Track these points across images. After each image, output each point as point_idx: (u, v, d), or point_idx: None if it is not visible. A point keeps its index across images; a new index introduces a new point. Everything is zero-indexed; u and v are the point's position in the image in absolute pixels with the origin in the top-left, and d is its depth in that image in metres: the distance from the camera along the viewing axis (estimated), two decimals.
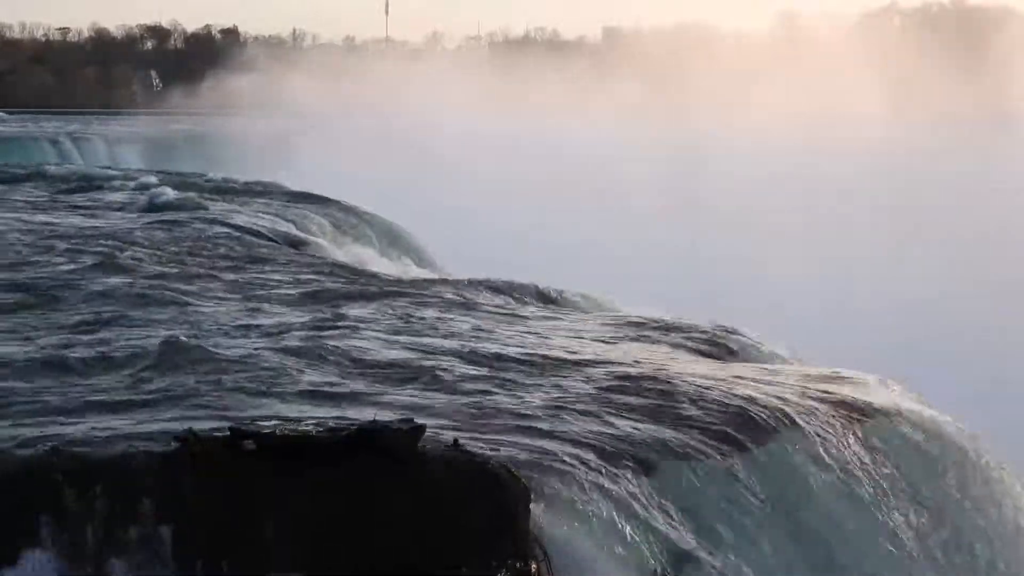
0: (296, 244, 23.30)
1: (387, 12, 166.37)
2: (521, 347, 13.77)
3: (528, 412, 11.10)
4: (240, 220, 25.02)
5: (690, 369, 13.12)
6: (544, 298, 18.47)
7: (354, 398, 11.28)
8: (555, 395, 11.74)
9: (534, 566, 8.85)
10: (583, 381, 12.34)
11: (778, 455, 11.05)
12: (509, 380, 12.21)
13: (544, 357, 13.29)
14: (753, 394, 12.08)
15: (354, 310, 15.52)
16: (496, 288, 18.40)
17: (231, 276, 17.94)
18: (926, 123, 59.25)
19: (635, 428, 10.89)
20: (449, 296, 17.17)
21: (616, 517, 9.48)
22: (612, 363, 13.21)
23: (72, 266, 18.10)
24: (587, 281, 20.89)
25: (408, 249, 28.33)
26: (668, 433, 10.89)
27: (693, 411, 11.47)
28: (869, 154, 54.52)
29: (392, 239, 28.80)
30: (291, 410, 10.57)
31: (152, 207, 27.28)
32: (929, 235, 44.77)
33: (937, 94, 64.04)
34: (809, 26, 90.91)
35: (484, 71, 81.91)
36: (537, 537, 8.99)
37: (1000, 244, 44.01)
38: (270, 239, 23.23)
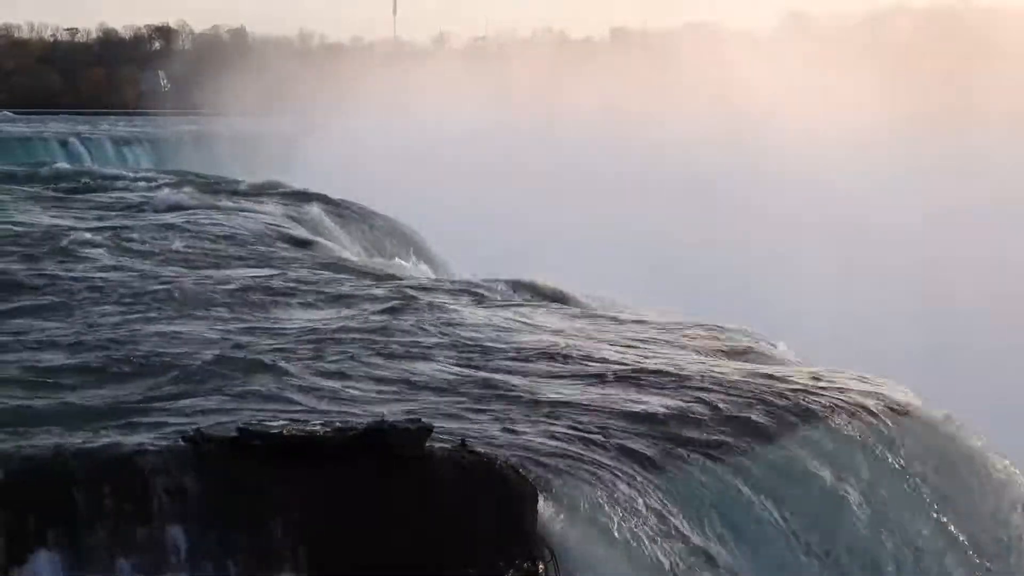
0: (304, 244, 23.30)
1: (395, 12, 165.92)
2: (530, 347, 13.77)
3: (536, 412, 11.10)
4: (248, 220, 25.03)
5: (701, 369, 13.12)
6: (555, 297, 18.45)
7: (362, 398, 11.29)
8: (564, 395, 11.74)
9: (541, 566, 8.85)
10: (592, 380, 12.35)
11: (790, 455, 11.04)
12: (518, 380, 12.22)
13: (553, 357, 13.30)
14: (765, 394, 12.08)
15: (361, 310, 15.53)
16: (504, 287, 18.39)
17: (238, 276, 17.95)
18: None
19: (644, 428, 10.88)
20: (458, 296, 17.17)
21: (624, 517, 9.48)
22: (622, 363, 13.21)
23: (79, 266, 18.12)
24: (597, 277, 20.89)
25: (417, 249, 28.31)
26: (678, 433, 10.89)
27: (704, 411, 11.47)
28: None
29: (398, 238, 28.79)
30: (299, 410, 10.58)
31: (160, 207, 27.30)
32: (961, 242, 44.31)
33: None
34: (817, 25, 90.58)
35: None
36: (544, 537, 8.99)
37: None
38: (278, 239, 23.22)
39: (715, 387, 12.28)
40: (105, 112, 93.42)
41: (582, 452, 10.17)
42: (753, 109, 61.30)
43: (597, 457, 10.13)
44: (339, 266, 20.16)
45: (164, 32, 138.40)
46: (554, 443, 10.27)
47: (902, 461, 11.79)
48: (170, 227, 23.42)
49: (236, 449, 8.80)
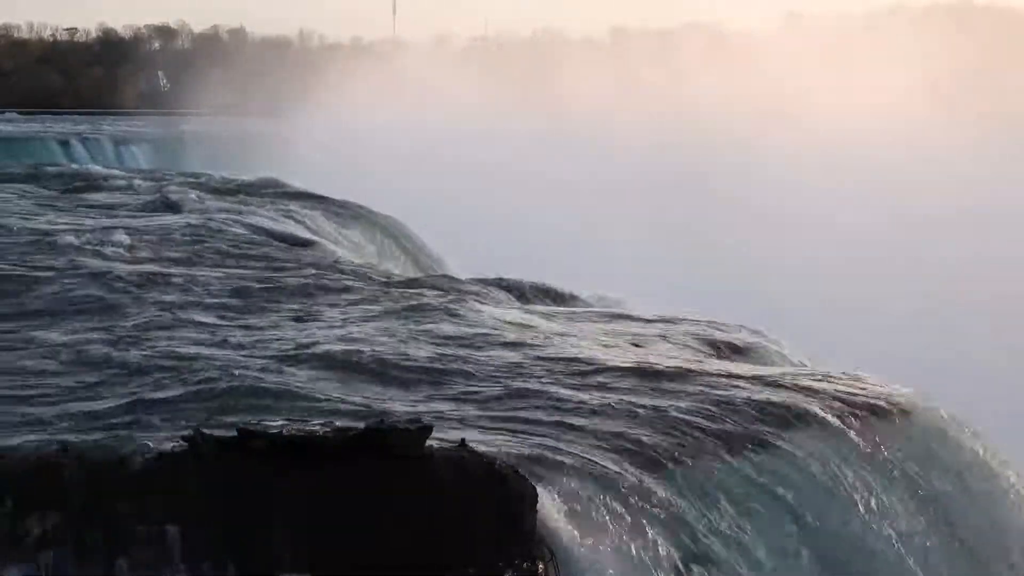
0: (302, 244, 23.30)
1: (394, 12, 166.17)
2: (529, 347, 13.76)
3: (535, 412, 11.10)
4: (247, 220, 25.03)
5: (701, 368, 13.12)
6: (554, 297, 18.46)
7: (361, 398, 11.29)
8: (563, 395, 11.73)
9: (541, 566, 8.85)
10: (592, 380, 12.34)
11: (790, 456, 11.04)
12: (517, 380, 12.21)
13: (552, 357, 13.29)
14: (764, 394, 12.07)
15: (360, 310, 15.53)
16: (504, 287, 18.39)
17: (237, 276, 17.95)
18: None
19: (644, 428, 10.88)
20: (457, 296, 17.16)
21: (624, 517, 9.47)
22: (622, 362, 13.20)
23: (77, 267, 18.10)
24: (602, 277, 20.90)
25: (415, 249, 28.31)
26: (678, 433, 10.88)
27: (704, 410, 11.46)
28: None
29: (398, 239, 28.79)
30: (298, 410, 10.57)
31: (159, 207, 27.32)
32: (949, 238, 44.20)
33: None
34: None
35: None
36: (544, 537, 8.98)
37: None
38: (277, 239, 23.23)
39: (715, 387, 12.27)
40: (105, 112, 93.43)
41: (582, 451, 10.16)
42: (753, 109, 61.33)
43: (597, 456, 10.13)
44: (338, 266, 20.16)
45: (164, 32, 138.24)
46: (554, 443, 10.26)
47: (902, 462, 11.78)
48: (169, 227, 23.43)
49: (235, 449, 8.78)
